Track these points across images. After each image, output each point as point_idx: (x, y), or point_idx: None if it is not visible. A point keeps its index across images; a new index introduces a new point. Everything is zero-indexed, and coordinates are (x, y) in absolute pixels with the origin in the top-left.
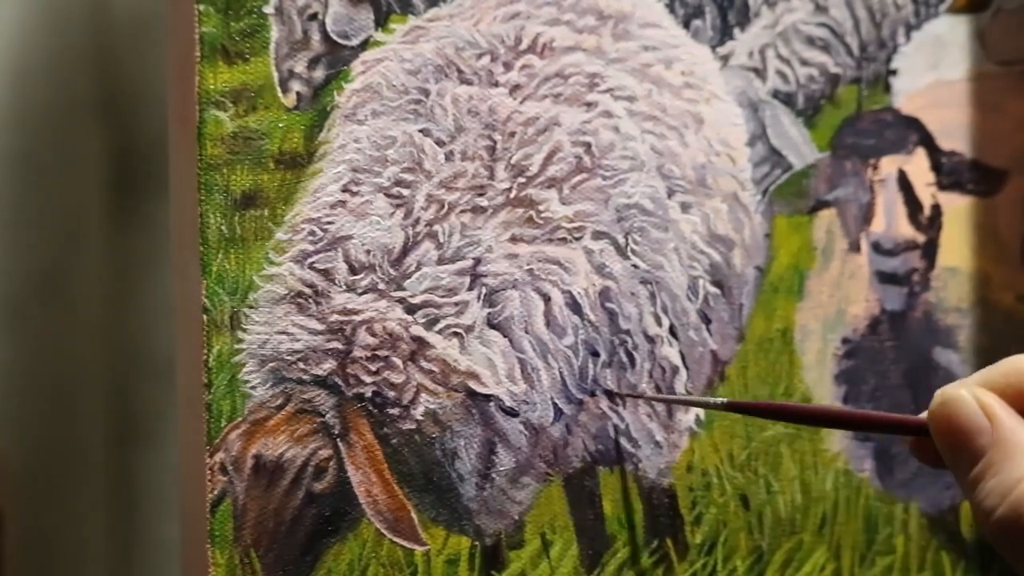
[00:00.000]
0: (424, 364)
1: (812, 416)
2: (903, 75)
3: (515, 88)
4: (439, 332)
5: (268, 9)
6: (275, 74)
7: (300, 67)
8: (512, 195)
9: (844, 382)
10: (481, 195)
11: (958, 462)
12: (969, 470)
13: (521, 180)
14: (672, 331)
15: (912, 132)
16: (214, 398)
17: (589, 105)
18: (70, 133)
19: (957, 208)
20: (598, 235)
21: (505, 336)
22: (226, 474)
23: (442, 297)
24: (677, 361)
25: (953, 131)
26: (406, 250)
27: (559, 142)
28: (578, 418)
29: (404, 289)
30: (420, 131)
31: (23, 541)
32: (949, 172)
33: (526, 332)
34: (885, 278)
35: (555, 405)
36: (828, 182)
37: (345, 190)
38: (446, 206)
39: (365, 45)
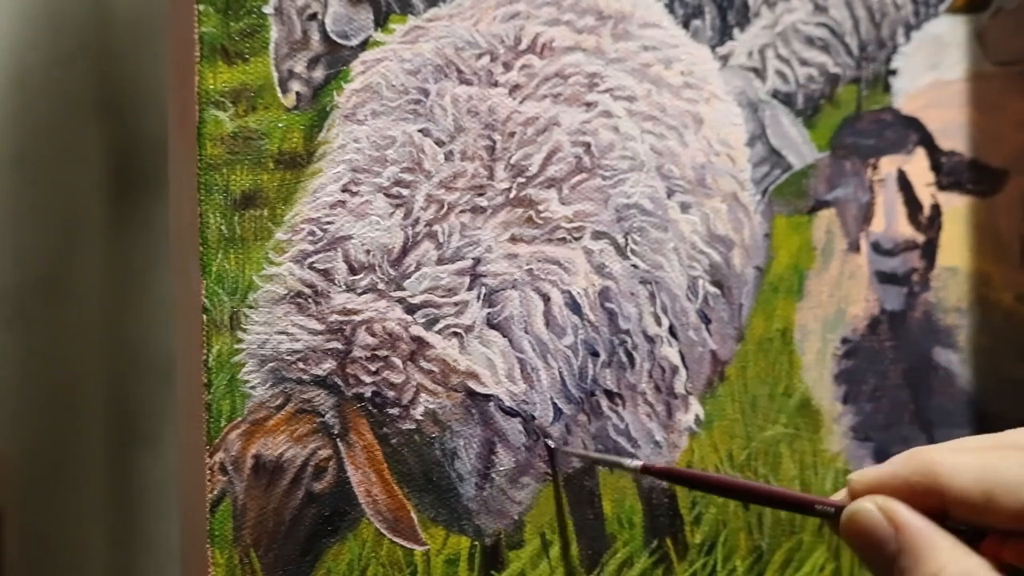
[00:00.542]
0: (424, 364)
1: (727, 489)
2: (903, 75)
3: (515, 88)
4: (439, 332)
5: (268, 9)
6: (275, 74)
7: (300, 67)
8: (512, 195)
9: (844, 382)
10: (481, 195)
11: (875, 571)
12: (888, 573)
13: (521, 180)
14: (672, 331)
15: (912, 132)
16: (214, 398)
17: (589, 105)
18: (70, 133)
19: (957, 208)
20: (598, 235)
21: (505, 336)
22: (226, 474)
23: (442, 297)
24: (677, 361)
25: (953, 131)
26: (406, 250)
27: (559, 142)
28: (577, 418)
29: (404, 289)
30: (420, 131)
31: (23, 541)
32: (949, 172)
33: (526, 332)
34: (885, 278)
35: (555, 405)
36: (828, 182)
37: (345, 190)
38: (446, 206)
39: (365, 45)
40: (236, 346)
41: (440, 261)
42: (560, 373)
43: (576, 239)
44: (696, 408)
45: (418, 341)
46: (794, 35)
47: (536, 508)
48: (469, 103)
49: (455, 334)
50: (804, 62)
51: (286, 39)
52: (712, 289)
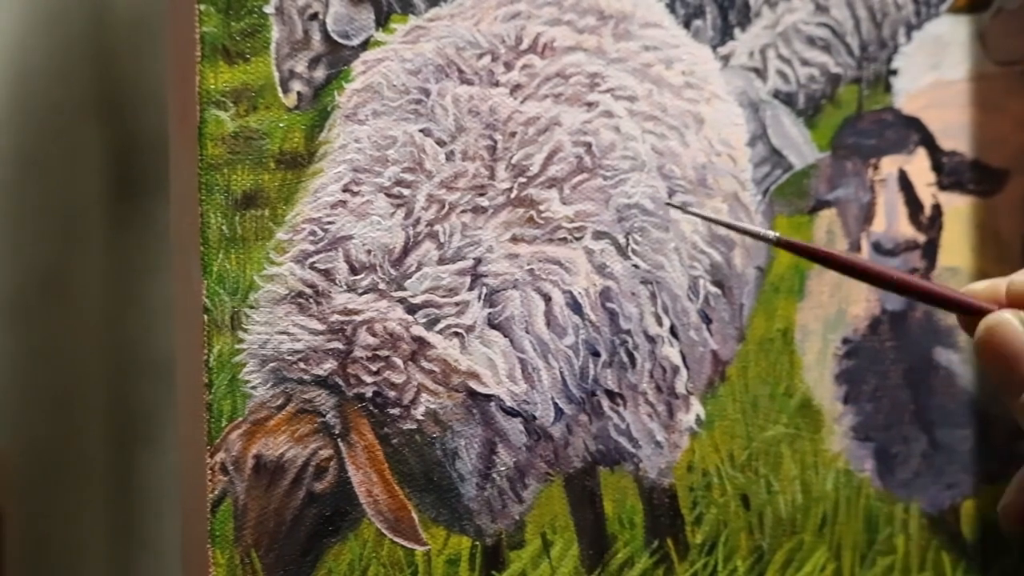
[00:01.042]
0: (425, 364)
1: (868, 273)
2: (904, 75)
3: (516, 88)
4: (440, 332)
5: (269, 9)
6: (276, 74)
7: (301, 67)
8: (513, 195)
9: (844, 382)
10: (482, 195)
11: (1006, 387)
12: (1019, 394)
13: (522, 180)
14: (673, 331)
15: (913, 132)
16: (215, 398)
17: (590, 105)
18: (70, 133)
19: (958, 208)
20: (599, 235)
21: (506, 336)
22: (227, 474)
23: (443, 297)
24: (678, 361)
25: (954, 131)
26: (407, 250)
27: (560, 142)
28: (579, 418)
29: (405, 289)
30: (421, 131)
31: (23, 541)
32: (950, 172)
33: (527, 332)
34: None
35: (555, 405)
36: (829, 182)
37: (346, 190)
38: (447, 206)
39: (366, 45)
40: (237, 346)
41: (441, 261)
42: (561, 373)
43: (577, 239)
44: (697, 408)
45: (419, 341)
46: (795, 35)
47: (537, 508)
48: (470, 103)
49: (456, 334)
50: (805, 62)
51: (287, 39)
52: (713, 289)
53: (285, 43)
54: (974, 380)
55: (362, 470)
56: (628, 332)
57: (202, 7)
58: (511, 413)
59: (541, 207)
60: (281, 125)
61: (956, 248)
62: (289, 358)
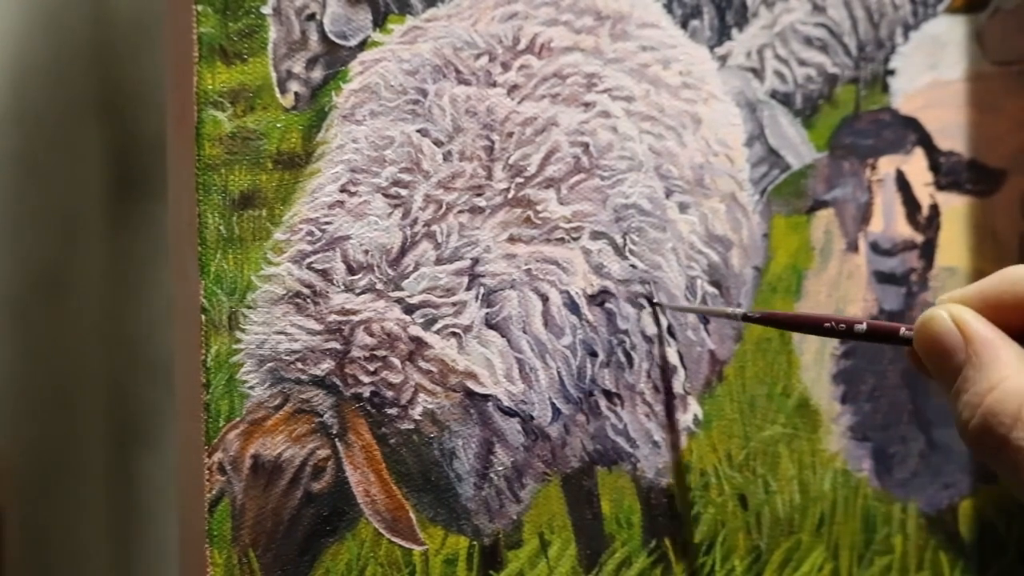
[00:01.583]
0: (422, 364)
1: (802, 324)
2: (901, 75)
3: (513, 88)
4: (437, 332)
5: (266, 9)
6: (273, 74)
7: (298, 67)
8: (510, 195)
9: (842, 382)
10: (479, 195)
11: (942, 380)
12: (950, 387)
13: (519, 180)
14: (670, 331)
15: (910, 132)
16: (212, 398)
17: (587, 105)
18: (70, 133)
19: (955, 208)
20: (596, 235)
21: (503, 336)
22: (224, 474)
23: (440, 297)
24: (675, 361)
25: (951, 131)
26: (404, 250)
27: (557, 142)
28: (576, 418)
29: (402, 289)
30: (418, 131)
31: (23, 541)
32: (947, 172)
33: (524, 332)
34: (883, 278)
35: (553, 405)
36: (826, 182)
37: (343, 190)
38: (444, 206)
39: (363, 45)
40: (235, 346)
41: (438, 261)
42: (558, 373)
43: (574, 239)
44: (695, 408)
45: (416, 341)
46: (792, 35)
47: (535, 508)
48: (467, 103)
49: (453, 334)
50: (802, 62)
51: (284, 39)
52: (710, 289)
53: (282, 43)
54: None
55: (360, 470)
56: (625, 332)
57: (200, 8)
58: (509, 413)
59: (538, 207)
60: (278, 125)
61: (954, 248)
62: (287, 358)
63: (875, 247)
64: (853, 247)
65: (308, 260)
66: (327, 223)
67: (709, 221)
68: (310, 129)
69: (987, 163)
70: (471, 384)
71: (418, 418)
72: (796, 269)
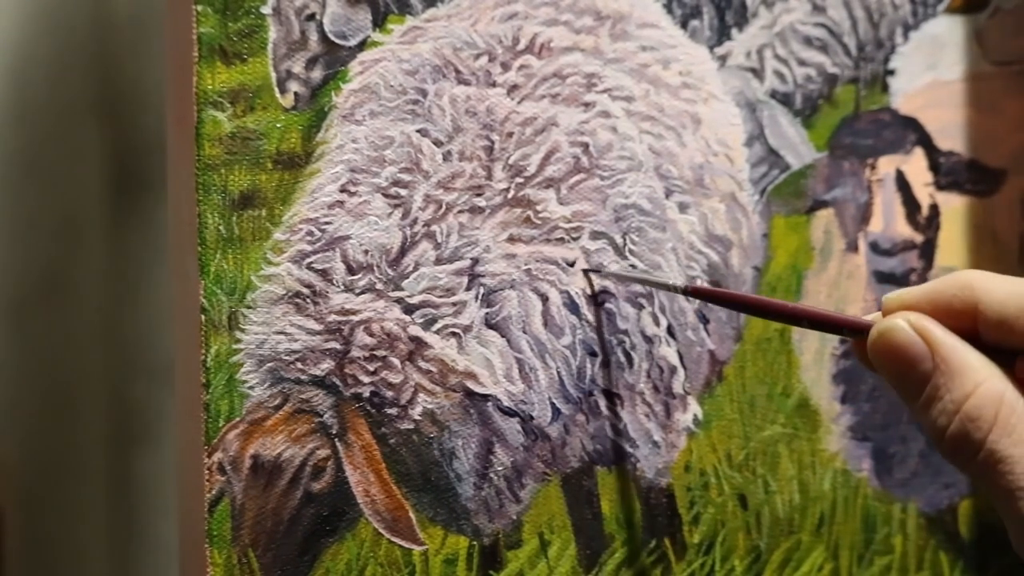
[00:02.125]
0: (422, 364)
1: (763, 308)
2: (901, 75)
3: (513, 88)
4: (437, 332)
5: (266, 9)
6: (273, 74)
7: (298, 67)
8: (510, 195)
9: (842, 381)
10: (479, 195)
11: (905, 390)
12: (918, 396)
13: (519, 180)
14: (670, 331)
15: (910, 132)
16: (212, 398)
17: (587, 105)
18: (70, 133)
19: (955, 208)
20: (596, 235)
21: (503, 336)
22: (224, 474)
23: (440, 297)
24: (675, 361)
25: (951, 131)
26: (404, 250)
27: (557, 142)
28: (576, 418)
29: (402, 289)
30: (418, 131)
31: (23, 541)
32: (947, 172)
33: (524, 332)
34: (883, 278)
35: (553, 405)
36: (826, 182)
37: (343, 190)
38: (444, 206)
39: (363, 45)
40: (234, 346)
41: (438, 261)
42: (558, 373)
43: (574, 239)
44: (694, 408)
45: (416, 341)
46: (792, 35)
47: (535, 508)
48: (467, 103)
49: (453, 334)
50: (802, 62)
51: (284, 39)
52: None
53: (282, 44)
54: None
55: (359, 470)
56: (625, 332)
57: (199, 8)
58: (508, 413)
59: (538, 207)
60: (278, 125)
61: (953, 248)
62: (286, 358)
63: (875, 247)
64: (853, 247)
65: (308, 260)
66: (327, 223)
67: (709, 221)
68: (310, 129)
69: (987, 163)
70: (471, 384)
71: (418, 418)
72: (796, 269)
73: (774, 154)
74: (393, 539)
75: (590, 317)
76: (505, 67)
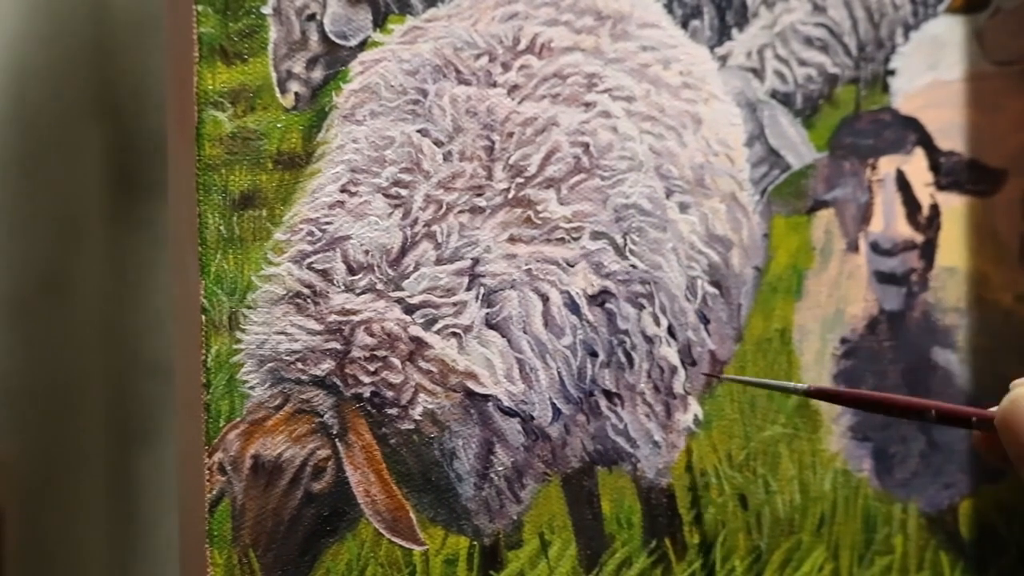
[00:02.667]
0: (422, 364)
1: (890, 406)
2: (901, 75)
3: (513, 88)
4: (437, 332)
5: (266, 10)
6: (273, 74)
7: (298, 67)
8: (510, 195)
9: (842, 382)
10: (479, 195)
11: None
12: None
13: (519, 180)
14: (670, 331)
15: (910, 132)
16: (213, 398)
17: (587, 105)
18: (70, 133)
19: (955, 208)
20: (596, 235)
21: (503, 336)
22: (225, 474)
23: (440, 297)
24: (675, 361)
25: (951, 131)
26: (404, 250)
27: (557, 142)
28: (576, 418)
29: (402, 289)
30: (418, 131)
31: (23, 541)
32: (947, 172)
33: (524, 332)
34: (884, 278)
35: (553, 405)
36: (826, 182)
37: (343, 190)
38: (444, 206)
39: (363, 45)
40: (235, 346)
41: (439, 261)
42: (559, 373)
43: (575, 239)
44: (695, 408)
45: (417, 341)
46: (793, 35)
47: (535, 508)
48: (468, 103)
49: (454, 334)
50: (803, 62)
51: (285, 39)
52: (711, 289)
53: (283, 44)
54: (972, 380)
55: (360, 470)
56: (626, 332)
57: (200, 8)
58: (509, 413)
59: (539, 207)
60: (279, 125)
61: (954, 248)
62: (287, 358)
63: (875, 247)
64: (853, 247)
65: (308, 260)
66: (327, 223)
67: (709, 221)
68: (310, 129)
69: (987, 163)
70: (471, 384)
71: (418, 418)
72: (796, 269)
73: (775, 154)
74: (393, 539)
75: (590, 317)
76: (506, 67)
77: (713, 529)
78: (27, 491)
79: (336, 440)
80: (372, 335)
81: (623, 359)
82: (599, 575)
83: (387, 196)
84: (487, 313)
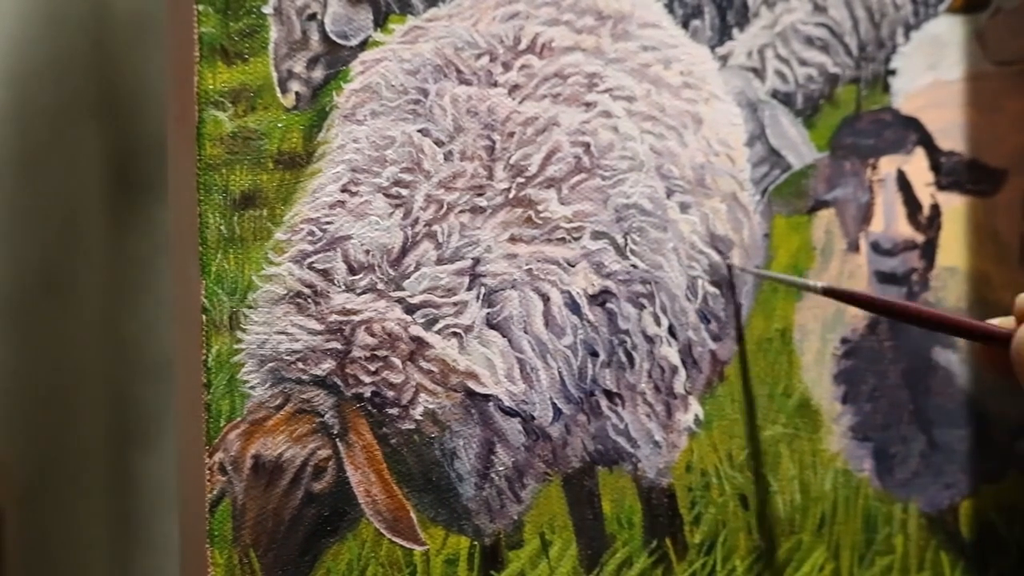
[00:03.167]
0: (423, 364)
1: (900, 312)
2: (902, 75)
3: (514, 88)
4: (438, 332)
5: (267, 9)
6: (274, 74)
7: (299, 67)
8: (511, 195)
9: (843, 382)
10: (480, 195)
11: None
12: None
13: (520, 180)
14: (671, 331)
15: (911, 132)
16: (213, 398)
17: (588, 105)
18: (70, 133)
19: (956, 208)
20: (597, 235)
21: (504, 336)
22: (225, 474)
23: (441, 297)
24: (676, 361)
25: (952, 131)
26: (405, 250)
27: (558, 142)
28: (577, 418)
29: (403, 289)
30: (419, 131)
31: (23, 541)
32: (948, 172)
33: (525, 332)
34: (884, 278)
35: (554, 405)
36: (827, 182)
37: (344, 190)
38: (445, 206)
39: (364, 45)
40: (235, 346)
41: (439, 261)
42: (559, 373)
43: (575, 239)
44: (695, 408)
45: (417, 341)
46: (793, 35)
47: (535, 508)
48: (468, 103)
49: (454, 334)
50: (803, 62)
51: (285, 39)
52: (711, 289)
53: (283, 43)
54: (972, 380)
55: (360, 470)
56: (626, 332)
57: (200, 7)
58: (509, 413)
59: (539, 207)
60: (279, 125)
61: (954, 248)
62: (287, 358)
63: (876, 247)
64: (854, 247)
65: (309, 260)
66: (328, 223)
67: (710, 221)
68: (311, 129)
69: (988, 163)
70: (472, 384)
71: (419, 418)
72: (797, 269)
73: (775, 154)
74: (394, 539)
75: (591, 317)
76: (506, 67)
77: (714, 529)
78: (27, 491)
79: (337, 440)
80: (373, 335)
81: (624, 359)
82: (600, 575)
83: (388, 196)
84: (488, 313)
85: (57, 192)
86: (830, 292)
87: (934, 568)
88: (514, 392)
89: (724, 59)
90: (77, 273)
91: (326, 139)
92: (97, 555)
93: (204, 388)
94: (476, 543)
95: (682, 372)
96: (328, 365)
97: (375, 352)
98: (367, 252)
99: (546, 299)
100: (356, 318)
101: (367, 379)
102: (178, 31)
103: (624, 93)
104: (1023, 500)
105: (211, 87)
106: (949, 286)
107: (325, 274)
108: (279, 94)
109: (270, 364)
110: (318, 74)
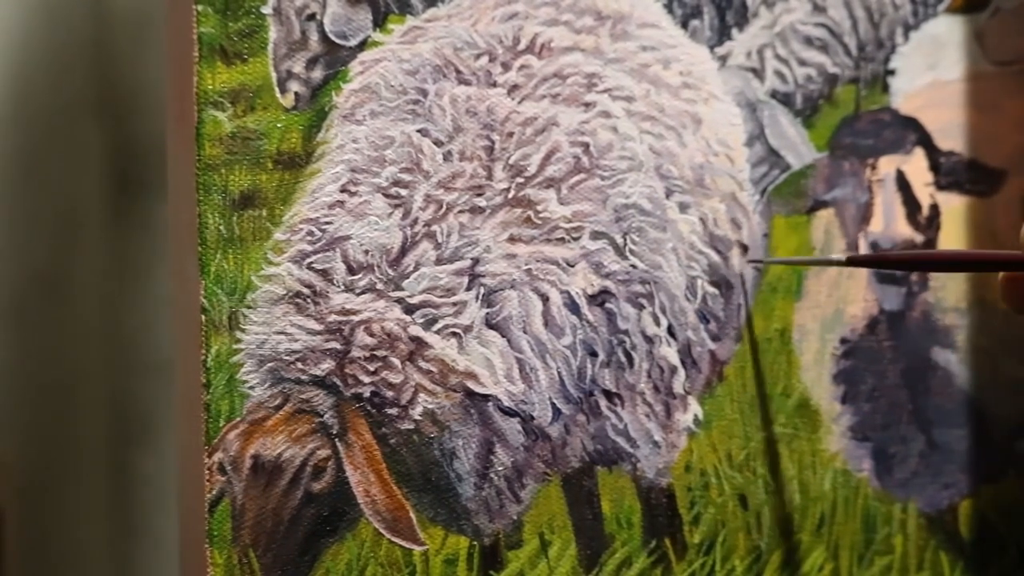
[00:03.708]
0: (422, 364)
1: (925, 262)
2: (901, 75)
3: (513, 88)
4: (437, 332)
5: (266, 9)
6: (273, 74)
7: (298, 67)
8: (510, 195)
9: (842, 382)
10: (479, 195)
11: None
12: None
13: (519, 180)
14: (670, 331)
15: (910, 132)
16: (212, 398)
17: (587, 105)
18: (70, 133)
19: (955, 208)
20: (596, 235)
21: (503, 336)
22: (224, 474)
23: (440, 297)
24: (675, 361)
25: (951, 131)
26: (404, 250)
27: (557, 142)
28: (576, 418)
29: (402, 289)
30: (418, 131)
31: (23, 541)
32: (947, 172)
33: (524, 332)
34: (884, 278)
35: (553, 405)
36: (826, 182)
37: (343, 190)
38: (444, 206)
39: (363, 45)
40: (235, 346)
41: (439, 261)
42: (559, 373)
43: (575, 239)
44: (695, 408)
45: (417, 341)
46: (792, 35)
47: (535, 508)
48: (468, 103)
49: (454, 334)
50: (803, 62)
51: (285, 39)
52: (711, 289)
53: (283, 43)
54: (972, 380)
55: (360, 470)
56: (626, 332)
57: (200, 7)
58: (509, 413)
59: (539, 207)
60: (279, 125)
61: (954, 248)
62: (287, 358)
63: (875, 247)
64: (853, 247)
65: (308, 260)
66: (327, 223)
67: (709, 221)
68: (310, 129)
69: (987, 163)
70: (471, 384)
71: (418, 418)
72: (796, 269)
73: (774, 154)
74: (393, 539)
75: (590, 317)
76: (506, 67)
77: (713, 529)
78: (27, 491)
79: (336, 440)
80: (372, 335)
81: (623, 359)
82: (599, 575)
83: (387, 196)
84: (487, 313)
85: (56, 192)
86: (854, 261)
87: (933, 568)
88: (513, 392)
89: (723, 59)
90: (76, 272)
91: (325, 139)
92: (97, 555)
93: (203, 388)
94: (475, 543)
95: (681, 372)
96: (327, 365)
97: (374, 352)
98: (366, 252)
99: (545, 299)
100: (355, 318)
101: (366, 379)
102: (177, 31)
103: (623, 93)
104: (1022, 500)
105: (210, 87)
106: (948, 286)
107: (324, 274)
108: (278, 94)
109: (269, 364)
110: (317, 74)
